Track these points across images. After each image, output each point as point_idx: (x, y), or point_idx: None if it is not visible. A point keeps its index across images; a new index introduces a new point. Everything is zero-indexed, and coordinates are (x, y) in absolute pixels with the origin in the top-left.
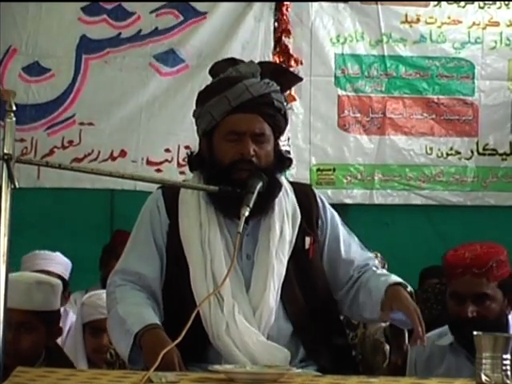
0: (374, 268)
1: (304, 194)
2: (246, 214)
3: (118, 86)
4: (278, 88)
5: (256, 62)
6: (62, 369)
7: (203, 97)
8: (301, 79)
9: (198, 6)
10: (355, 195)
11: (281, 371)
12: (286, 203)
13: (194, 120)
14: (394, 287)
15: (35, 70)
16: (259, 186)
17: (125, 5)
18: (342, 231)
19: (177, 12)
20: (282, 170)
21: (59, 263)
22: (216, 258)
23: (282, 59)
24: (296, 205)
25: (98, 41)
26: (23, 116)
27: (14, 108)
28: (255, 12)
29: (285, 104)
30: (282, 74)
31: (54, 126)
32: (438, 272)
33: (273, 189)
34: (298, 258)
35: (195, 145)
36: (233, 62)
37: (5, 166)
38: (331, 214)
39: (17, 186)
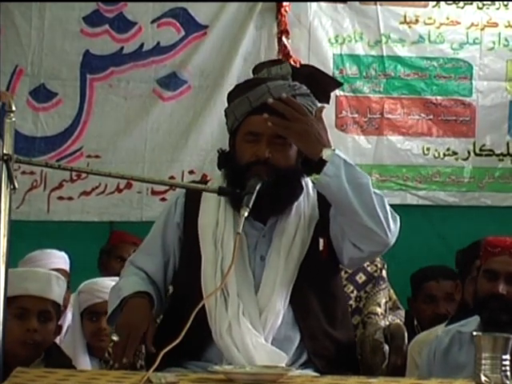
0: None
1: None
2: (246, 214)
3: (122, 115)
4: (307, 91)
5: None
6: (61, 369)
7: (231, 96)
8: (341, 84)
9: (199, 17)
10: None
11: (280, 372)
12: (305, 205)
13: (197, 144)
14: None
15: (42, 94)
16: (259, 186)
17: (126, 13)
18: None
19: (178, 24)
20: (308, 174)
21: (66, 262)
22: (227, 256)
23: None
24: (316, 205)
25: (101, 57)
26: (33, 149)
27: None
28: (256, 20)
29: (314, 108)
30: (319, 77)
31: (62, 159)
32: (429, 272)
33: (291, 191)
34: (312, 260)
35: (199, 169)
36: (278, 62)
37: (4, 166)
38: None
39: (16, 186)
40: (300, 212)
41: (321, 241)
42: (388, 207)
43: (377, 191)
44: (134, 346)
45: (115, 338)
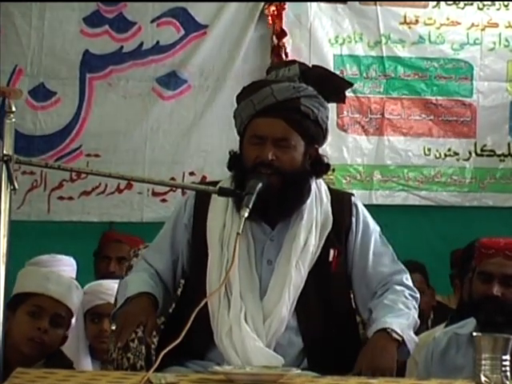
0: (396, 286)
1: (339, 203)
2: (246, 214)
3: (122, 115)
4: (314, 93)
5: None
6: (61, 370)
7: (238, 99)
8: (351, 84)
9: (199, 17)
10: (354, 196)
11: (280, 372)
12: (317, 212)
13: (198, 145)
14: (376, 337)
15: (41, 93)
16: (258, 187)
17: (126, 14)
18: (375, 242)
19: (177, 23)
20: (316, 177)
21: (74, 269)
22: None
23: (275, 60)
24: (329, 214)
25: (101, 56)
26: (32, 148)
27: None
28: (256, 20)
29: (320, 110)
30: (328, 79)
31: (62, 158)
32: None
33: (297, 194)
34: (320, 270)
35: (200, 170)
36: (289, 64)
37: (4, 167)
38: (365, 224)
39: (16, 187)
40: (312, 218)
41: (331, 252)
42: (418, 301)
43: (413, 302)
44: (129, 331)
45: (113, 327)
